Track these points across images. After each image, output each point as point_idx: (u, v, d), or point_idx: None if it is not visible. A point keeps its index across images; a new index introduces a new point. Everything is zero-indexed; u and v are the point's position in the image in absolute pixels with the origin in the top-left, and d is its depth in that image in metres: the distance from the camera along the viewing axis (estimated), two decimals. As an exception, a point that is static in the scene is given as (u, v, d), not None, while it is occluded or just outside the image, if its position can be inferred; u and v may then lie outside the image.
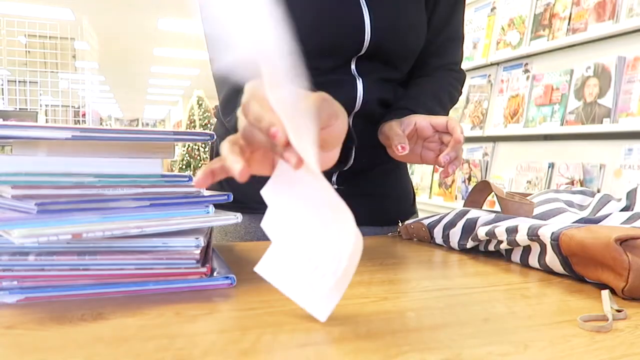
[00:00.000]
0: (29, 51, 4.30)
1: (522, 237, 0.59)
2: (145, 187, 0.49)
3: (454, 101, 0.96)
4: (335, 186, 0.94)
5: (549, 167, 2.31)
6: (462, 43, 1.00)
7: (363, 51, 0.86)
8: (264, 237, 0.98)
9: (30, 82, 4.18)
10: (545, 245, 0.56)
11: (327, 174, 0.94)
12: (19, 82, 4.24)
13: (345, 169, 0.90)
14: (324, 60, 0.86)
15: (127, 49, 9.46)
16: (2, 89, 4.13)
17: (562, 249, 0.53)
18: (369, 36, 0.85)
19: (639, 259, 0.46)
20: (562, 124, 2.24)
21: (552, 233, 0.54)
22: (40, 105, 4.73)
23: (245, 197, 0.83)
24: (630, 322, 0.41)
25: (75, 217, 0.46)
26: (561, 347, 0.36)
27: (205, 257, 0.51)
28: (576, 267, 0.53)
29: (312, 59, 0.87)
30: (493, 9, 2.82)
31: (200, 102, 11.12)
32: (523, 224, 0.60)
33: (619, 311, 0.43)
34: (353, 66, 0.87)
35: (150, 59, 10.47)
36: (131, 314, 0.42)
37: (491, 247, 0.68)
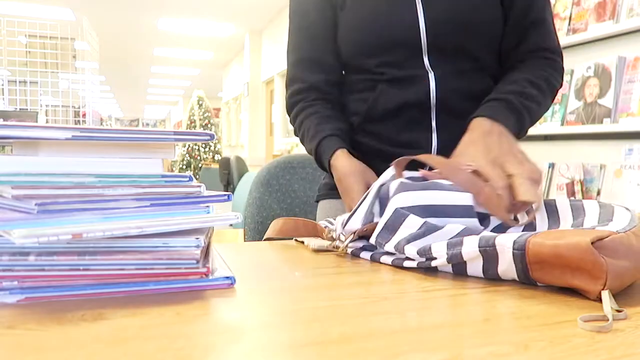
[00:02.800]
0: (29, 51, 4.31)
1: (470, 249, 0.54)
2: (146, 187, 0.49)
3: (546, 91, 0.89)
4: None
5: (549, 167, 2.31)
6: (552, 27, 0.94)
7: (425, 46, 0.86)
8: None
9: (30, 82, 4.18)
10: (497, 255, 0.53)
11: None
12: (19, 82, 4.25)
13: None
14: (391, 57, 0.88)
15: (127, 49, 9.47)
16: (3, 89, 4.13)
17: (529, 257, 0.50)
18: (424, 30, 0.85)
19: (614, 260, 0.46)
20: (562, 124, 2.24)
21: (515, 242, 0.51)
22: (41, 106, 4.73)
23: None
24: (631, 322, 0.41)
25: (76, 217, 0.46)
26: (561, 347, 0.36)
27: (205, 257, 0.51)
28: (535, 274, 0.51)
29: (379, 57, 0.89)
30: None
31: (200, 102, 11.12)
32: (468, 238, 0.56)
33: (619, 311, 0.43)
34: (426, 60, 0.87)
35: (151, 59, 10.48)
36: (131, 314, 0.42)
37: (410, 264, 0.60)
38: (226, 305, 0.45)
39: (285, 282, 0.54)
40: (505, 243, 0.52)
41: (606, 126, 2.03)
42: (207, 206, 0.52)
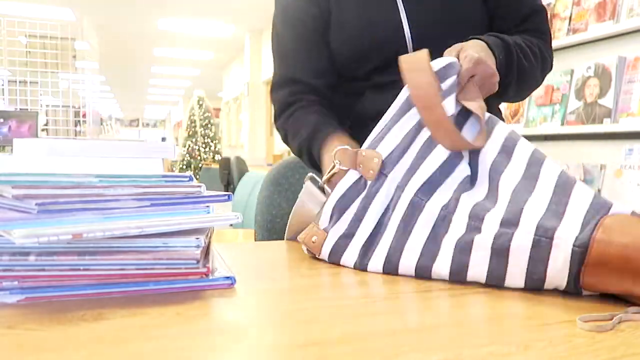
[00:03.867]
0: (29, 51, 4.30)
1: (526, 235, 0.47)
2: (146, 187, 0.49)
3: (538, 58, 0.86)
4: None
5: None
6: (544, 15, 0.93)
7: (411, 49, 0.86)
8: None
9: (30, 82, 4.17)
10: (549, 252, 0.46)
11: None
12: (20, 82, 4.24)
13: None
14: (380, 63, 0.87)
15: (127, 49, 9.47)
16: (3, 89, 4.13)
17: (591, 258, 0.44)
18: (409, 34, 0.85)
19: None
20: (562, 124, 2.24)
21: (577, 238, 0.45)
22: (41, 106, 4.72)
23: None
24: (631, 322, 0.41)
25: (76, 217, 0.46)
26: (562, 347, 0.36)
27: (205, 257, 0.51)
28: (588, 280, 0.46)
29: (368, 64, 0.89)
30: (493, 9, 2.81)
31: (200, 103, 11.11)
32: (524, 216, 0.48)
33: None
34: None
35: (151, 59, 10.47)
36: (131, 314, 0.42)
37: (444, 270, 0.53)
38: (226, 305, 0.45)
39: (285, 282, 0.54)
40: (564, 236, 0.45)
41: (606, 126, 2.03)
42: (207, 206, 0.52)
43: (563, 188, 0.53)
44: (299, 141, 0.89)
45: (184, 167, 10.48)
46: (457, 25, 0.86)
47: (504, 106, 2.61)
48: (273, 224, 1.26)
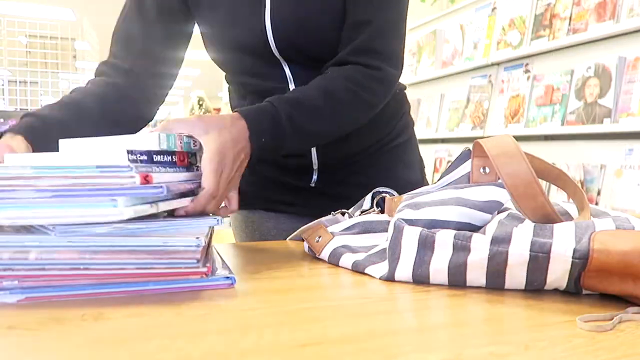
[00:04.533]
0: (29, 51, 4.30)
1: (520, 251, 0.46)
2: (75, 177, 0.46)
3: (343, 102, 0.76)
4: (313, 185, 0.94)
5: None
6: (382, 31, 0.80)
7: (278, 55, 0.83)
8: (265, 237, 0.98)
9: (30, 82, 4.17)
10: (548, 263, 0.46)
11: (308, 175, 0.92)
12: (20, 82, 4.24)
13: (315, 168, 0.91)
14: (251, 68, 0.86)
15: (127, 49, 9.46)
16: (3, 89, 4.13)
17: (590, 266, 0.44)
18: (272, 38, 0.81)
19: None
20: (562, 124, 2.24)
21: (575, 250, 0.44)
22: (41, 106, 4.73)
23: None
24: (632, 322, 0.41)
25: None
26: (562, 348, 0.36)
27: (205, 257, 0.51)
28: (589, 282, 0.46)
29: (239, 69, 0.88)
30: (494, 9, 2.82)
31: (200, 103, 11.11)
32: (517, 232, 0.47)
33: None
34: (287, 71, 0.85)
35: (151, 59, 10.46)
36: (131, 314, 0.42)
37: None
38: (226, 305, 0.45)
39: (285, 282, 0.54)
40: (563, 252, 0.45)
41: (606, 126, 2.03)
42: (114, 199, 0.45)
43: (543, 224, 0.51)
44: None
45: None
46: (317, 32, 0.81)
47: (504, 106, 2.61)
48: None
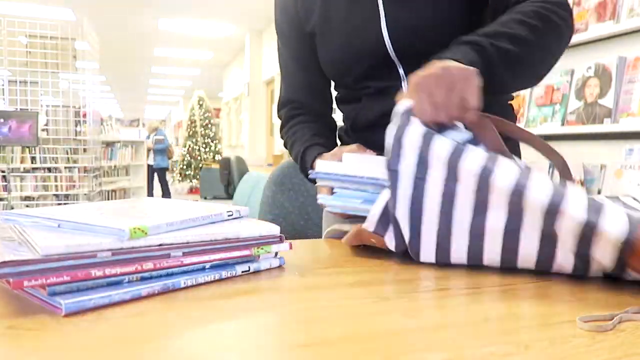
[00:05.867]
0: (29, 51, 4.30)
1: (574, 223, 0.50)
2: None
3: (539, 28, 0.76)
4: None
5: (550, 167, 2.31)
6: None
7: (394, 56, 0.86)
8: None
9: (30, 82, 4.18)
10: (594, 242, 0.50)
11: None
12: (20, 82, 4.24)
13: None
14: (367, 71, 0.89)
15: (127, 49, 9.47)
16: (3, 89, 4.13)
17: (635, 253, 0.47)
18: (389, 42, 0.86)
19: None
20: (562, 124, 2.24)
21: (628, 239, 0.48)
22: (41, 106, 4.72)
23: None
24: (632, 322, 0.41)
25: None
26: (562, 347, 0.36)
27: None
28: (635, 263, 0.49)
29: (354, 74, 0.91)
30: (493, 9, 2.81)
31: (201, 103, 11.11)
32: (573, 202, 0.52)
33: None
34: (400, 71, 0.88)
35: (151, 59, 10.47)
36: (131, 314, 0.42)
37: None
38: (226, 305, 0.45)
39: (285, 282, 0.54)
40: (612, 231, 0.49)
41: (606, 126, 2.03)
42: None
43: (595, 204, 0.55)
44: (294, 155, 0.99)
45: (185, 167, 10.48)
46: (435, 28, 0.84)
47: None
48: (276, 223, 1.27)
